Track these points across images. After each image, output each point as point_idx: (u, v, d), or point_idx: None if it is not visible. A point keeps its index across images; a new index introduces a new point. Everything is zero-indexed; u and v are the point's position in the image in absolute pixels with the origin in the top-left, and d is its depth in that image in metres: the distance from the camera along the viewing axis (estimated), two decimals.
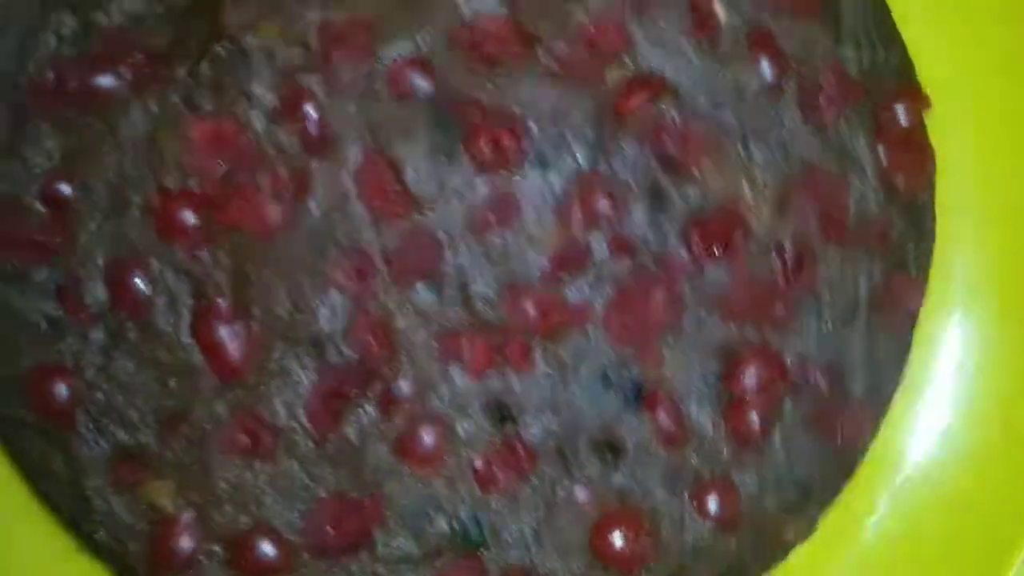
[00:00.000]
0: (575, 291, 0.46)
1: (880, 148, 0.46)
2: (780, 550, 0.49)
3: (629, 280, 0.46)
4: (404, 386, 0.46)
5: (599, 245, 0.46)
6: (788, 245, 0.46)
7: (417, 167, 0.46)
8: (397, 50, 0.45)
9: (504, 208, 0.46)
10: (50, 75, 0.47)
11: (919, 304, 0.47)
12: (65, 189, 0.47)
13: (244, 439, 0.46)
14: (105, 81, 0.47)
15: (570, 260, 0.46)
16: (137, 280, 0.47)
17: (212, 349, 0.46)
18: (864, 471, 0.48)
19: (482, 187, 0.46)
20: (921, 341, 0.48)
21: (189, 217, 0.46)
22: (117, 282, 0.47)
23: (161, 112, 0.47)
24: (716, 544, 0.47)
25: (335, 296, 0.46)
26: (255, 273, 0.46)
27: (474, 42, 0.45)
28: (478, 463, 0.46)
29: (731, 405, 0.47)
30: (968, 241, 0.48)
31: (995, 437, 0.48)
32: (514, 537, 0.46)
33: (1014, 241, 0.48)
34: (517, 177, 0.46)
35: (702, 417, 0.46)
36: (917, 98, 0.46)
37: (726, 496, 0.46)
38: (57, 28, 0.47)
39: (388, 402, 0.46)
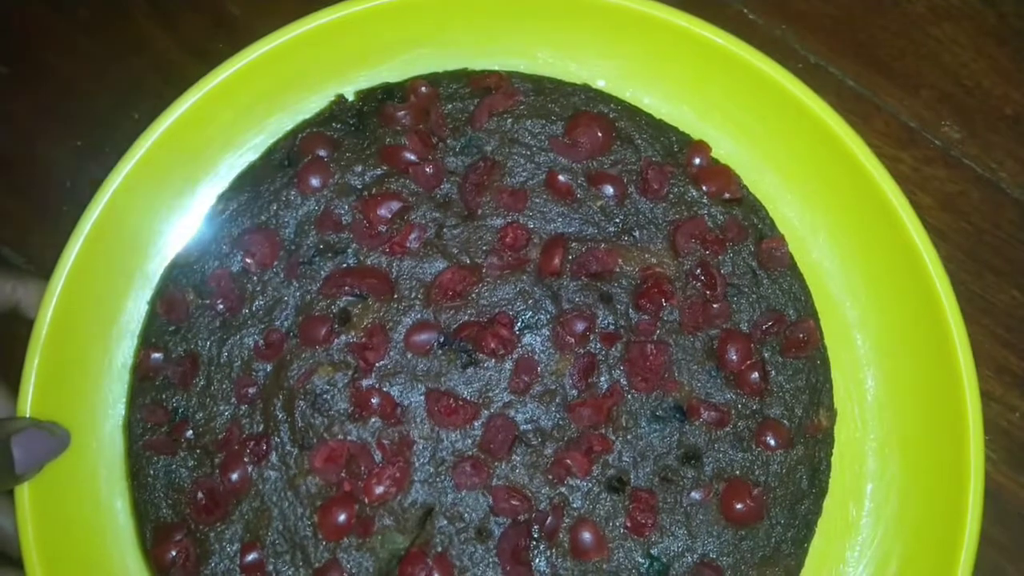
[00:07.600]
0: (603, 382, 0.61)
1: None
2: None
3: (626, 352, 0.61)
4: (551, 516, 0.59)
5: (595, 346, 0.61)
6: (696, 271, 0.62)
7: (463, 383, 0.60)
8: (403, 328, 0.61)
9: (528, 368, 0.60)
10: (200, 495, 0.60)
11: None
12: (255, 555, 0.60)
13: None
14: (236, 475, 0.60)
15: (586, 367, 0.60)
16: None
17: None
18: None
19: (507, 365, 0.61)
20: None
21: (343, 516, 0.59)
22: None
23: (282, 462, 0.60)
24: (787, 461, 0.60)
25: (468, 494, 0.60)
26: (414, 512, 0.59)
27: (443, 293, 0.61)
28: (627, 523, 0.59)
29: (736, 377, 0.61)
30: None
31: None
32: (680, 548, 0.59)
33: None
34: (522, 346, 0.61)
35: (726, 396, 0.61)
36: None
37: (775, 430, 0.60)
38: (184, 461, 0.61)
39: (549, 532, 0.59)
